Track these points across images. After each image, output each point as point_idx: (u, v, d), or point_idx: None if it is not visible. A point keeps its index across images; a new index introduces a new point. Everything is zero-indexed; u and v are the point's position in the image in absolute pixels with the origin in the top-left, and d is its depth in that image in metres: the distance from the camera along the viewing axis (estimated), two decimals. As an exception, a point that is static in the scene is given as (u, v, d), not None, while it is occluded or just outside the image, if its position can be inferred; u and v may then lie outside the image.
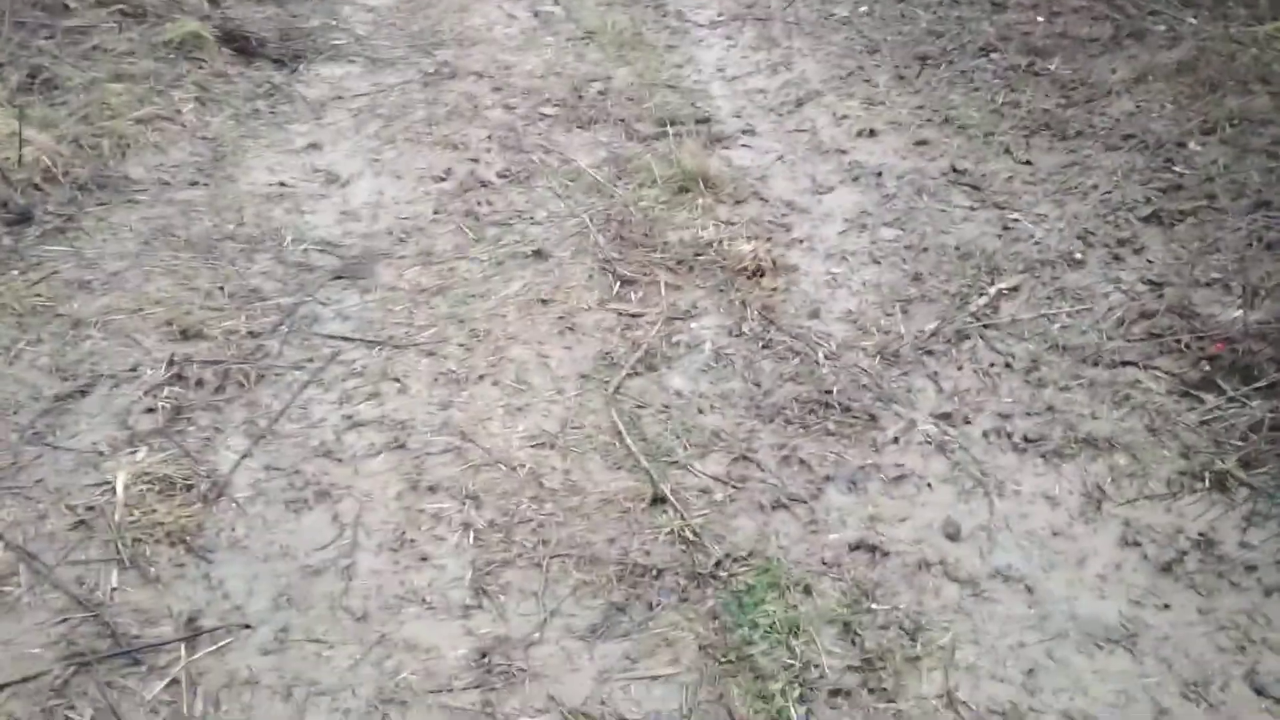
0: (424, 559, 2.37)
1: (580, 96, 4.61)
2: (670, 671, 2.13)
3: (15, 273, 3.19)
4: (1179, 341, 2.99)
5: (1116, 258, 3.40)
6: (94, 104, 4.06)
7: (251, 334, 3.05)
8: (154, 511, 2.43)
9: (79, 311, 3.08)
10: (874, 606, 2.26)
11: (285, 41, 4.87)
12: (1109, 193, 3.73)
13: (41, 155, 3.62)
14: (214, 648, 2.16)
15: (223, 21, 4.85)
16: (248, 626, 2.21)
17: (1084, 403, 2.83)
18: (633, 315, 3.20)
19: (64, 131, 3.83)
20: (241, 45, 4.74)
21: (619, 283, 3.35)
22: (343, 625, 2.21)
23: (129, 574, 2.31)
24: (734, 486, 2.58)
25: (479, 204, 3.78)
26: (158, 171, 3.84)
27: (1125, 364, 2.95)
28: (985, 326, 3.13)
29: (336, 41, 5.03)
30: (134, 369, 2.89)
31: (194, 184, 3.79)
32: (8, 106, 3.85)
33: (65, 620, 2.20)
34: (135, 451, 2.60)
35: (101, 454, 2.61)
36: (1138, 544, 2.40)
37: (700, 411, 2.82)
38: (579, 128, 4.37)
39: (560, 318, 3.19)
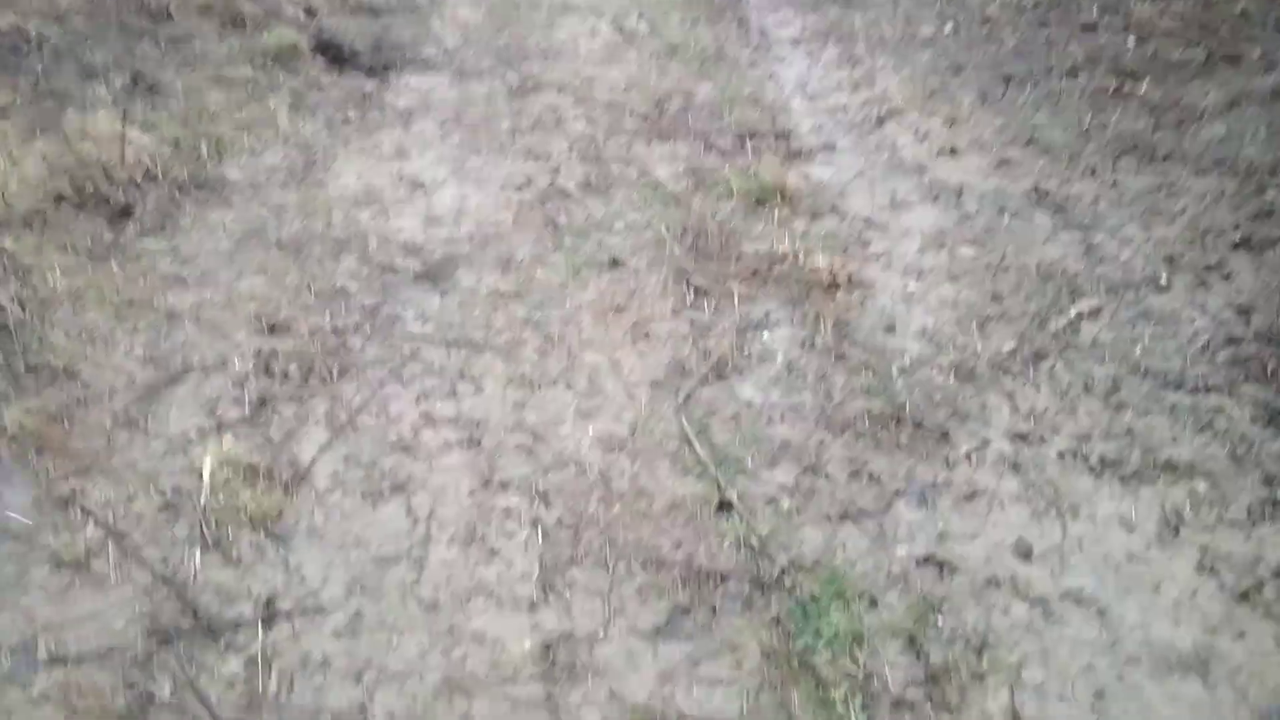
0: (494, 553, 2.42)
1: (661, 110, 4.67)
2: (732, 675, 2.14)
3: (115, 266, 3.35)
4: (1265, 368, 2.92)
5: (1203, 283, 3.33)
6: (193, 108, 4.24)
7: (335, 331, 3.16)
8: (238, 497, 2.53)
9: (173, 305, 3.22)
10: (941, 622, 2.24)
11: (377, 52, 5.03)
12: (1197, 217, 3.65)
13: (143, 155, 3.79)
14: (290, 630, 2.23)
15: (319, 32, 5.03)
16: (322, 610, 2.28)
17: (1164, 427, 2.77)
18: (706, 324, 3.23)
19: (165, 133, 4.01)
20: (335, 55, 4.90)
21: (693, 292, 3.38)
22: (413, 614, 2.28)
23: (211, 555, 2.41)
24: (802, 496, 2.58)
25: (558, 213, 3.86)
26: (252, 174, 3.99)
27: (1209, 389, 2.89)
28: (1065, 347, 3.09)
29: (426, 53, 5.17)
30: (223, 361, 3.00)
31: (285, 187, 3.93)
32: (112, 108, 4.04)
33: (149, 596, 2.30)
34: (222, 439, 2.71)
35: (190, 440, 2.72)
36: (1215, 571, 2.35)
37: (770, 421, 2.84)
38: (659, 140, 4.42)
39: (634, 325, 3.24)
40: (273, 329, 3.15)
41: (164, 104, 4.26)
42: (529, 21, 5.66)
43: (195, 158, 3.98)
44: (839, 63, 5.13)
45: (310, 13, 5.25)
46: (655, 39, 5.44)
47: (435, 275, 3.49)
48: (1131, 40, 4.97)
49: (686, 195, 3.96)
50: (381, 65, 4.94)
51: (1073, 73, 4.74)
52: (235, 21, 4.91)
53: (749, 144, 4.34)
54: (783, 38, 5.48)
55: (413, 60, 5.08)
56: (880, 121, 4.55)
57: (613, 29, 5.57)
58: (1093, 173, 4.01)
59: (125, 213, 3.55)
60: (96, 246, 3.41)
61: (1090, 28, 5.13)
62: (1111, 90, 4.56)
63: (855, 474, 2.66)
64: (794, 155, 4.29)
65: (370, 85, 4.80)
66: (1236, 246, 3.48)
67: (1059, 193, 3.89)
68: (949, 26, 5.37)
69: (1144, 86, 4.56)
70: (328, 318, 3.21)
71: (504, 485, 2.62)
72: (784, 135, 4.45)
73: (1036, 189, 3.92)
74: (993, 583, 2.35)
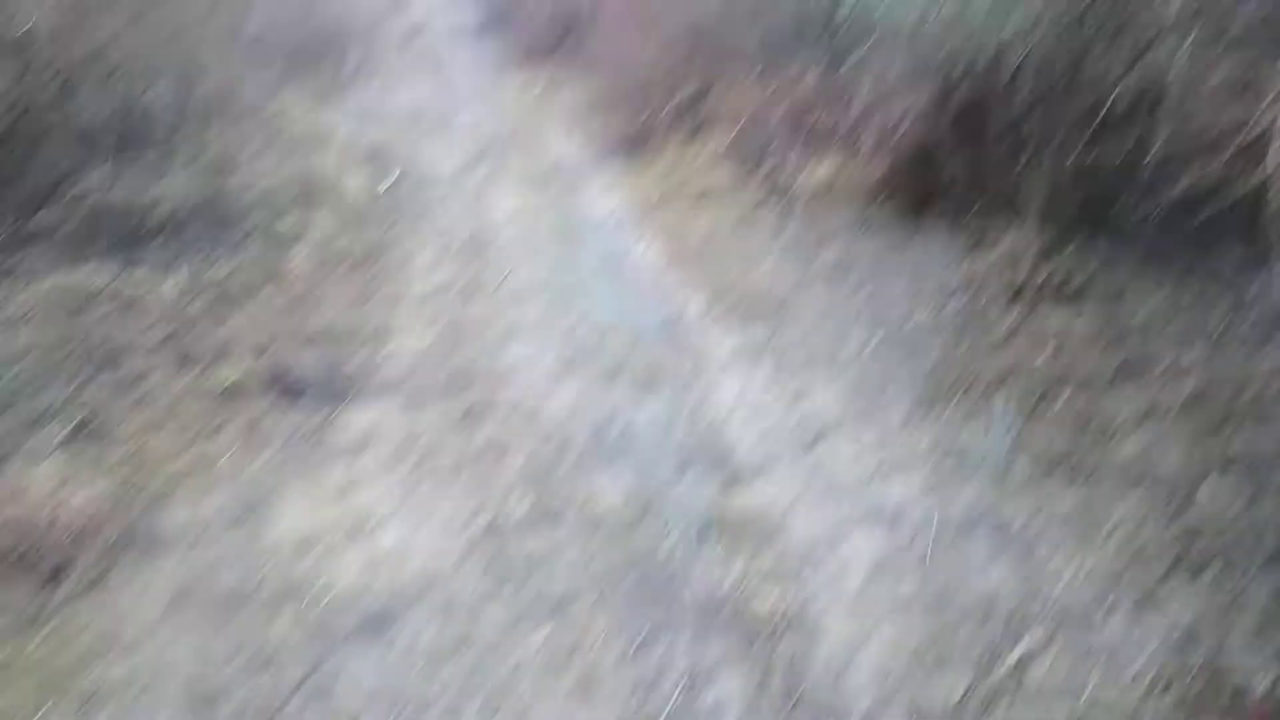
0: None
1: (604, 435, 4.79)
2: None
3: (39, 637, 3.24)
4: (1214, 706, 2.89)
5: (1143, 612, 3.37)
6: (139, 452, 4.27)
7: (267, 704, 3.03)
8: None
9: (98, 680, 3.09)
10: None
11: (328, 384, 5.17)
12: (1129, 537, 3.74)
13: (81, 509, 3.77)
14: None
15: (271, 366, 5.18)
16: None
17: (1124, 783, 2.70)
18: (653, 678, 3.16)
19: (107, 482, 4.02)
20: (285, 389, 5.02)
21: (640, 638, 3.33)
22: None
23: None
24: None
25: (501, 552, 3.85)
26: (192, 522, 3.96)
27: (1163, 735, 2.84)
28: (1016, 688, 3.05)
29: (377, 381, 5.32)
30: (146, 744, 2.85)
31: (225, 535, 3.90)
32: (55, 457, 4.06)
33: None
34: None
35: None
36: None
37: (721, 792, 2.72)
38: (602, 467, 4.50)
39: (579, 679, 3.16)
40: (203, 702, 3.02)
41: (109, 449, 4.29)
42: (478, 344, 5.88)
43: (135, 507, 3.96)
44: (773, 380, 5.36)
45: (264, 347, 5.41)
46: (599, 360, 5.66)
47: (375, 628, 3.41)
48: (1047, 352, 5.26)
49: (628, 527, 3.99)
50: (331, 396, 5.06)
51: (994, 386, 4.98)
52: (188, 360, 5.05)
53: (689, 468, 4.43)
54: (719, 356, 5.73)
55: (363, 389, 5.21)
56: (815, 440, 4.69)
57: (558, 352, 5.80)
58: (1024, 491, 4.12)
59: (55, 576, 3.48)
60: (21, 616, 3.31)
61: (1007, 341, 5.45)
62: (1033, 403, 4.78)
63: None
64: (733, 479, 4.38)
65: (319, 418, 4.89)
66: (1171, 569, 3.55)
67: (993, 513, 3.98)
68: (875, 341, 5.67)
69: (1062, 399, 4.80)
70: (260, 687, 3.09)
71: None
72: (723, 457, 4.56)
73: (971, 510, 4.01)
74: None
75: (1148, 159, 5.59)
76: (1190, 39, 5.44)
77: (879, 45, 8.36)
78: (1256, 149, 4.31)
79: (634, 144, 11.35)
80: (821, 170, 8.22)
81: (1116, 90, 6.01)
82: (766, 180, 8.88)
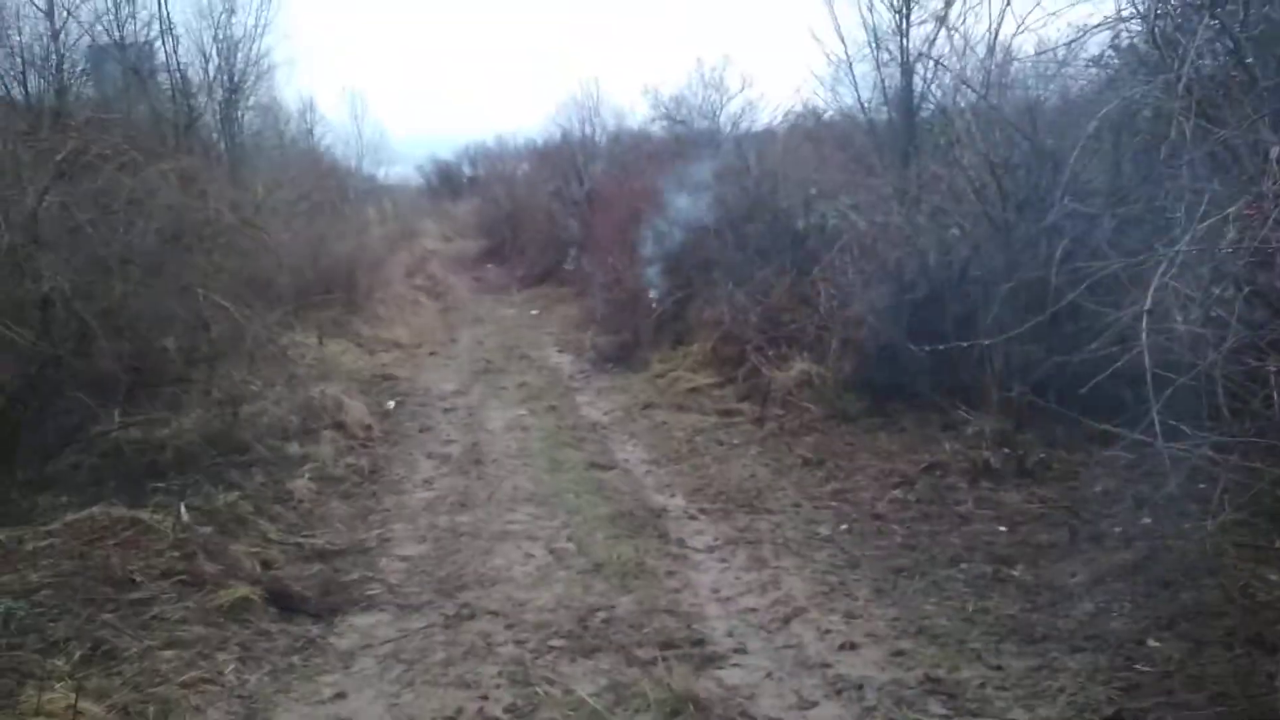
0: None
1: (585, 627, 5.07)
2: None
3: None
4: None
5: (1086, 763, 3.57)
6: (146, 672, 4.56)
7: None
8: None
9: None
10: None
11: (325, 596, 5.50)
12: (1074, 695, 3.97)
13: (91, 724, 4.04)
14: None
15: (271, 583, 5.53)
16: None
17: None
18: None
19: (115, 701, 4.29)
20: (285, 604, 5.36)
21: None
22: None
23: None
24: None
25: (485, 746, 4.08)
26: (193, 735, 4.22)
27: None
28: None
29: (372, 591, 5.65)
30: None
31: (225, 746, 4.15)
32: (68, 680, 4.36)
33: None
34: None
35: None
36: None
37: None
38: (583, 657, 4.77)
39: None
40: None
41: (118, 670, 4.58)
42: (469, 550, 6.24)
43: (142, 720, 4.23)
44: (748, 567, 5.68)
45: (268, 565, 5.79)
46: (583, 557, 6.00)
47: (362, 823, 3.61)
48: (1004, 527, 5.60)
49: (606, 712, 4.23)
50: (328, 609, 5.38)
51: (954, 562, 5.29)
52: (195, 582, 5.40)
53: (666, 654, 4.69)
54: (698, 546, 6.07)
55: (358, 600, 5.54)
56: (786, 620, 4.97)
57: (544, 551, 6.15)
58: (979, 657, 4.38)
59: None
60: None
61: (967, 519, 5.80)
62: (990, 576, 5.09)
63: None
64: (707, 661, 4.63)
65: (316, 629, 5.20)
66: (1111, 722, 3.77)
67: (949, 679, 4.22)
68: (844, 526, 6.02)
69: (1018, 570, 5.10)
70: None
71: None
72: (699, 642, 4.82)
73: (928, 677, 4.26)
74: None
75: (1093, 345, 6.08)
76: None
77: (841, 252, 9.14)
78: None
79: (622, 355, 12.07)
80: (795, 370, 8.79)
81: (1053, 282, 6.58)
82: (745, 382, 9.46)
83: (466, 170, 40.52)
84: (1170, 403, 3.66)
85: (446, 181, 41.21)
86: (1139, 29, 6.03)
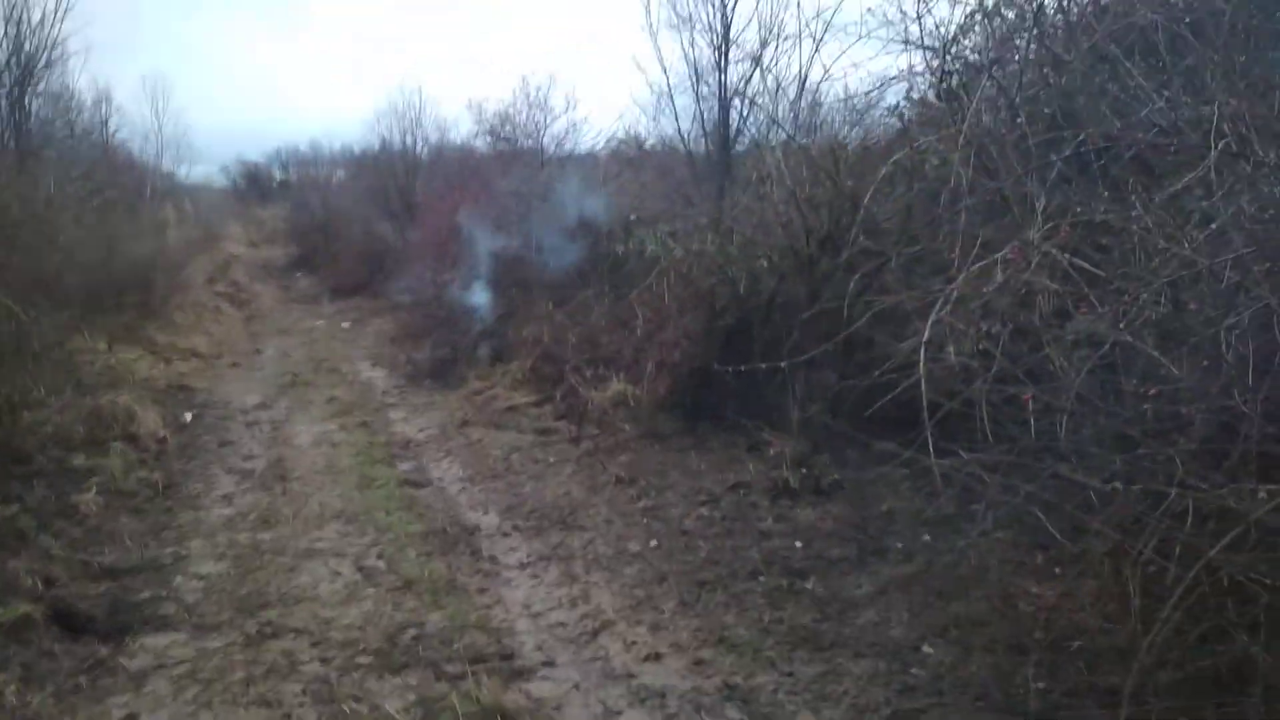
0: None
1: (394, 644, 5.10)
2: None
3: None
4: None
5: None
6: (-89, 696, 4.29)
7: None
8: None
9: None
10: None
11: (114, 615, 5.29)
12: (857, 698, 4.34)
13: None
14: None
15: (54, 601, 5.28)
16: None
17: None
18: None
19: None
20: (70, 623, 5.13)
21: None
22: None
23: None
24: None
25: (286, 761, 4.06)
26: (-35, 759, 4.01)
27: None
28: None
29: (166, 611, 5.47)
30: None
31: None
32: None
33: None
34: None
35: None
36: None
37: None
38: (391, 674, 4.80)
39: None
40: None
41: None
42: (272, 568, 6.12)
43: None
44: (559, 582, 5.84)
45: (50, 583, 5.51)
46: (393, 575, 6.00)
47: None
48: (799, 543, 6.00)
49: (414, 729, 4.30)
50: (117, 629, 5.19)
51: (754, 575, 5.63)
52: (-31, 605, 5.10)
53: (475, 668, 4.79)
54: (510, 563, 6.19)
55: (150, 619, 5.35)
56: (595, 634, 5.16)
57: (353, 569, 6.11)
58: (773, 665, 4.70)
59: None
60: None
61: (766, 535, 6.17)
62: (785, 588, 5.44)
63: None
64: (516, 674, 4.76)
65: (105, 650, 5.00)
66: (889, 720, 4.15)
67: (745, 686, 4.52)
68: (653, 542, 6.28)
69: (811, 582, 5.48)
70: None
71: None
72: (508, 656, 4.94)
73: (726, 685, 4.54)
74: None
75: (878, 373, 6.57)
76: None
77: (659, 278, 9.50)
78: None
79: (440, 371, 12.03)
80: (611, 390, 9.05)
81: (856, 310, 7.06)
82: (563, 401, 9.65)
83: (277, 174, 39.25)
84: (943, 425, 4.09)
85: (254, 184, 39.78)
86: (930, 83, 6.66)
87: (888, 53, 12.12)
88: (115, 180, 17.16)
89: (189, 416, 10.03)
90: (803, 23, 14.16)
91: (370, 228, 20.10)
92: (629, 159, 15.26)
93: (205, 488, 7.76)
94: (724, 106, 11.41)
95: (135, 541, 6.48)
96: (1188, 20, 4.94)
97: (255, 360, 13.95)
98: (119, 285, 12.70)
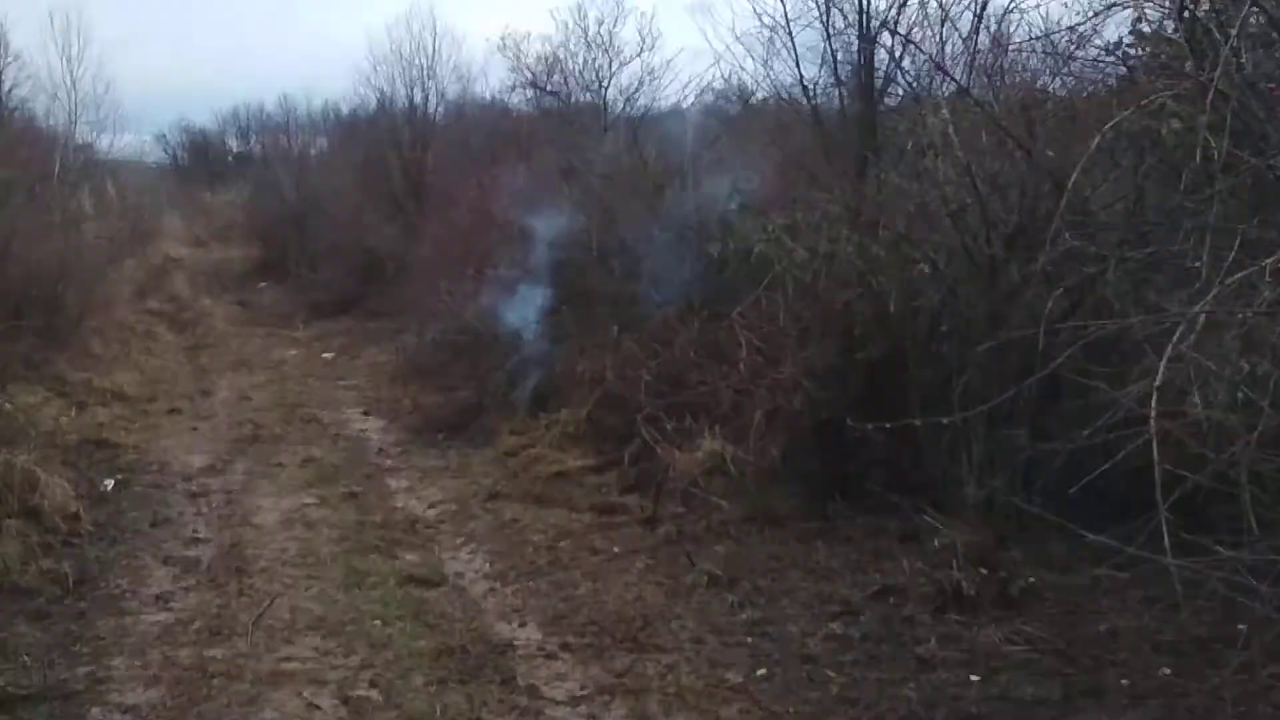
0: None
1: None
2: None
3: None
4: None
5: None
6: None
7: None
8: None
9: None
10: None
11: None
12: None
13: None
14: None
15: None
16: None
17: None
18: None
19: None
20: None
21: None
22: None
23: None
24: None
25: None
26: None
27: None
28: None
29: (78, 757, 5.64)
30: None
31: None
32: None
33: None
34: None
35: None
36: None
37: None
38: None
39: None
40: None
41: None
42: (225, 698, 6.22)
43: None
44: (627, 727, 5.89)
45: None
46: (392, 712, 6.09)
47: None
48: (977, 676, 5.96)
49: None
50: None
51: (912, 720, 5.62)
52: None
53: None
54: (558, 697, 6.23)
55: (57, 768, 5.53)
56: (679, 806, 5.19)
57: (336, 702, 6.21)
58: None
59: None
60: None
61: (928, 664, 6.14)
62: (956, 741, 5.42)
63: None
64: None
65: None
66: None
67: None
68: (762, 670, 6.29)
69: (996, 735, 5.45)
70: None
71: None
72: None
73: None
74: None
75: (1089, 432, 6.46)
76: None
77: (770, 291, 9.42)
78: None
79: (459, 421, 12.18)
80: (702, 451, 9.08)
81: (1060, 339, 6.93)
82: (633, 466, 9.71)
83: (233, 144, 40.19)
84: (1187, 509, 4.04)
85: (202, 159, 40.79)
86: (1167, 7, 6.57)
87: (1107, -33, 12.02)
88: (10, 155, 17.65)
89: (110, 484, 10.29)
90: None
91: (363, 220, 20.46)
92: (730, 119, 15.35)
93: (132, 584, 7.95)
94: (867, 45, 11.39)
95: (36, 659, 6.66)
96: None
97: (202, 405, 14.30)
98: (15, 302, 13.10)
